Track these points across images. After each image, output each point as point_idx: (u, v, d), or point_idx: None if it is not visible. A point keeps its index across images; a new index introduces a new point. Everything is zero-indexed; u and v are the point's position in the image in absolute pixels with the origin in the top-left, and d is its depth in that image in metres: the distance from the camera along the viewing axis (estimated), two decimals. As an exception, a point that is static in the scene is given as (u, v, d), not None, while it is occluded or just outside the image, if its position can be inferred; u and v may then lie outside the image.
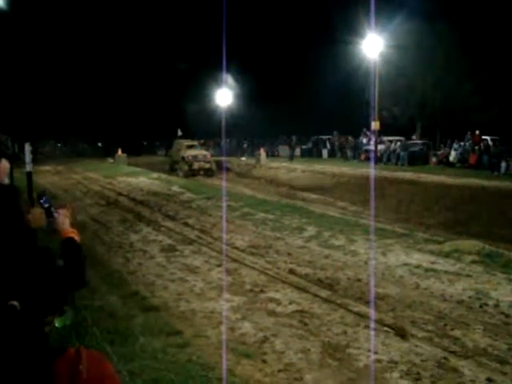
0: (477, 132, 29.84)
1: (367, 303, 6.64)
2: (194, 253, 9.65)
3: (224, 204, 15.09)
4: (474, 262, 8.67)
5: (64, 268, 2.07)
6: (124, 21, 49.10)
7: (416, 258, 8.98)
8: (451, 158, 30.00)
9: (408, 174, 24.40)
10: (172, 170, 30.19)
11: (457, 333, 5.70)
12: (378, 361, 5.02)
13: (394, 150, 32.53)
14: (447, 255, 9.11)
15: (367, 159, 32.33)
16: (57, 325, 2.18)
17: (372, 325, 5.90)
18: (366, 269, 8.30)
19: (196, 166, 28.43)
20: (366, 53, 32.31)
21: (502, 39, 33.64)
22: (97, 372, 1.53)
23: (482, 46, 33.69)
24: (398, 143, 32.96)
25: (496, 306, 6.53)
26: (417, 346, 5.37)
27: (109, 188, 20.91)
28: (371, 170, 24.20)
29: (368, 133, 34.97)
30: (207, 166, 28.98)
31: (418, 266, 8.40)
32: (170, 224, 12.67)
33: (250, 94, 45.38)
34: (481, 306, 6.53)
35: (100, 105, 48.16)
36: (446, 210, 18.06)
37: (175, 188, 19.96)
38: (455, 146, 30.64)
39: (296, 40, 48.67)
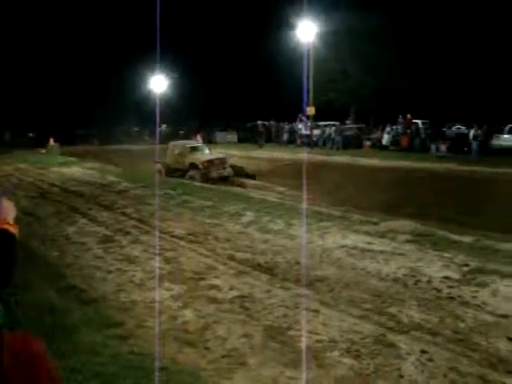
0: (408, 116, 30.80)
1: (306, 285, 6.77)
2: (132, 243, 9.50)
3: (161, 192, 14.92)
4: (407, 241, 8.99)
5: None
6: (52, 4, 47.26)
7: (352, 239, 9.21)
8: (384, 142, 30.87)
9: (343, 158, 24.95)
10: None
11: (393, 309, 5.91)
12: (319, 341, 5.14)
13: (330, 135, 33.11)
14: (382, 235, 9.40)
15: (303, 144, 32.80)
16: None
17: (312, 306, 6.03)
18: (304, 252, 8.43)
19: (214, 174, 21.80)
20: (300, 38, 32.60)
21: (430, 25, 34.80)
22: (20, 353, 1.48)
23: (410, 32, 34.72)
24: (333, 128, 33.56)
25: (429, 282, 6.80)
26: (356, 324, 5.53)
27: (41, 179, 20.22)
28: (307, 155, 24.55)
29: (304, 118, 35.43)
30: (226, 173, 22.40)
31: (354, 247, 8.61)
32: (106, 214, 12.41)
33: (186, 81, 44.93)
34: (415, 283, 6.79)
35: (28, 94, 46.29)
36: (380, 191, 18.56)
37: (111, 177, 19.56)
38: (388, 129, 31.53)
39: (232, 26, 48.47)
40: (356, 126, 35.71)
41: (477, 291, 6.44)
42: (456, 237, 9.30)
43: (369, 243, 8.89)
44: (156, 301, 6.33)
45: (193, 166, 22.36)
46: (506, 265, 7.45)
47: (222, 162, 22.54)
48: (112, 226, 11.06)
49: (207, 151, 24.28)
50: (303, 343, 5.10)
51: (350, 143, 31.37)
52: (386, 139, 30.88)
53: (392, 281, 6.93)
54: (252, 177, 23.16)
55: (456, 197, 16.72)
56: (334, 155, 26.96)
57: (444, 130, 31.15)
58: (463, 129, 30.45)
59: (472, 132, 26.52)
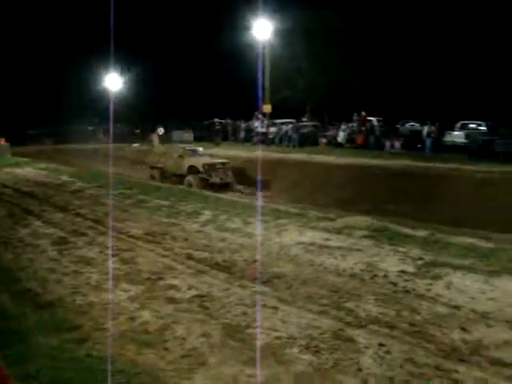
0: (363, 113, 31.21)
1: (264, 283, 6.79)
2: (87, 244, 9.32)
3: (117, 192, 14.71)
4: (364, 236, 9.14)
5: None
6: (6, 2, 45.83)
7: (310, 235, 9.30)
8: (339, 139, 31.19)
9: (300, 155, 25.11)
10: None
11: (351, 304, 5.99)
12: (278, 338, 5.16)
13: (286, 132, 33.26)
14: (339, 232, 9.53)
15: (260, 142, 32.84)
16: None
17: (270, 303, 6.05)
18: (262, 250, 8.45)
19: (216, 179, 19.99)
20: (256, 37, 32.62)
21: (382, 24, 35.56)
22: None
23: (363, 31, 35.36)
24: (290, 126, 33.73)
25: (385, 276, 6.94)
26: (315, 320, 5.58)
27: (-9, 181, 19.63)
28: (264, 152, 24.63)
29: (260, 116, 35.50)
30: (229, 179, 20.61)
31: (312, 244, 8.69)
32: (61, 215, 12.12)
33: (142, 79, 44.32)
34: (372, 278, 6.91)
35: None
36: (337, 188, 18.83)
37: (65, 178, 19.15)
38: (343, 127, 31.87)
39: (188, 23, 48.13)
40: (312, 123, 35.96)
41: (431, 284, 6.61)
42: (411, 231, 9.53)
43: (326, 239, 9.00)
44: (113, 302, 6.24)
45: (192, 169, 20.39)
46: (458, 257, 7.68)
47: (224, 166, 20.56)
48: (67, 227, 10.82)
49: (208, 156, 22.30)
50: (262, 340, 5.11)
51: (306, 141, 31.52)
52: (341, 137, 31.20)
53: (349, 276, 7.03)
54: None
55: (411, 192, 17.11)
56: (291, 153, 27.11)
57: (398, 127, 31.72)
58: (417, 126, 31.07)
59: (425, 129, 27.12)
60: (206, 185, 19.23)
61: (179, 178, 20.59)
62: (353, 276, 7.03)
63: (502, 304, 5.94)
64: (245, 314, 5.79)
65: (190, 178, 19.97)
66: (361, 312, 5.77)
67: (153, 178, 21.93)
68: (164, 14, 49.63)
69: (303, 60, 38.35)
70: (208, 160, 20.97)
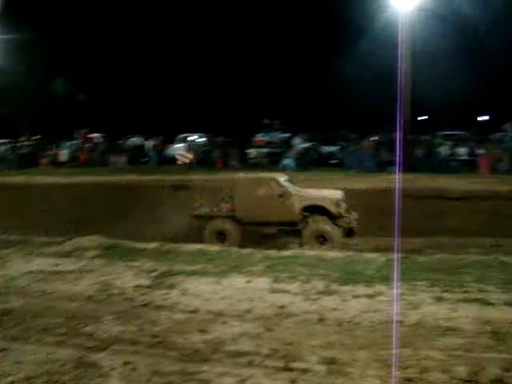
0: (85, 130, 30.76)
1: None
2: None
3: None
4: (95, 256, 9.00)
5: None
6: None
7: (38, 263, 8.77)
8: (62, 158, 30.12)
9: (19, 178, 23.34)
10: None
11: (90, 328, 5.80)
12: (12, 382, 4.67)
13: (3, 154, 30.77)
14: (68, 255, 9.21)
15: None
16: None
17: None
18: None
19: (354, 221, 12.05)
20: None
21: (98, 43, 35.57)
22: None
23: (77, 45, 34.88)
24: (6, 146, 31.38)
25: (121, 293, 6.91)
26: (53, 352, 5.22)
27: None
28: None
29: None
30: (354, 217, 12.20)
31: (41, 272, 8.21)
32: None
33: None
34: (108, 297, 6.81)
35: None
36: (64, 210, 17.98)
37: None
38: (65, 145, 30.92)
39: None
40: (31, 142, 33.92)
41: (168, 293, 6.81)
42: (142, 245, 9.72)
43: (56, 265, 8.60)
44: None
45: (314, 210, 11.75)
46: (189, 264, 8.10)
47: (343, 199, 12.15)
48: None
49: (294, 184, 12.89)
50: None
51: (25, 161, 29.60)
52: (64, 155, 30.18)
53: (85, 299, 6.81)
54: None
55: (136, 206, 17.21)
56: (8, 175, 25.00)
57: (121, 142, 31.96)
58: (138, 141, 31.81)
59: (150, 143, 28.05)
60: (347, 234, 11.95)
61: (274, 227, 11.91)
62: (89, 298, 6.82)
63: (232, 300, 6.44)
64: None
65: (325, 229, 11.45)
66: (101, 334, 5.62)
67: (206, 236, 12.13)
68: None
69: (18, 75, 35.92)
70: (332, 193, 12.37)
